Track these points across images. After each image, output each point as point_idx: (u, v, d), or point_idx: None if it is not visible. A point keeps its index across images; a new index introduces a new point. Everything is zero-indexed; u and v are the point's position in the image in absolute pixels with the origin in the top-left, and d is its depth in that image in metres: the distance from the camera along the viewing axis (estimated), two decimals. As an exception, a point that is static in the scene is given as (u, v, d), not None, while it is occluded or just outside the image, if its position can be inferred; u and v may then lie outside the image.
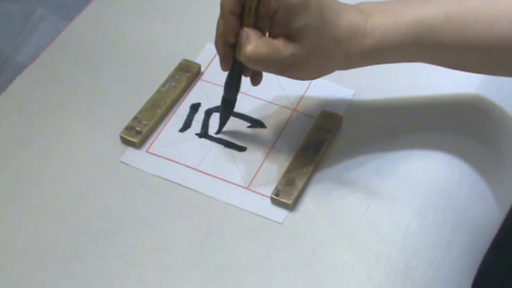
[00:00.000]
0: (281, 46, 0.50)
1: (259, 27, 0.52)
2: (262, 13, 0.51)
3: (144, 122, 0.62)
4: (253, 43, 0.51)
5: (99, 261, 0.54)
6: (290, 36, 0.51)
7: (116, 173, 0.60)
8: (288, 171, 0.58)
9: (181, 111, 0.64)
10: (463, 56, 0.55)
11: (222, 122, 0.62)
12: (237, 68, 0.56)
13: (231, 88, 0.58)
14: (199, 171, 0.60)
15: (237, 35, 0.52)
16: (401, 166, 0.60)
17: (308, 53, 0.51)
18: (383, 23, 0.53)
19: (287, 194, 0.57)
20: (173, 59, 0.67)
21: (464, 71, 0.58)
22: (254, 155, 0.61)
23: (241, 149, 0.61)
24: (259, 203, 0.57)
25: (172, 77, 0.66)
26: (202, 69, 0.68)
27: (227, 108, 0.60)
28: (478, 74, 0.65)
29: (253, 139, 0.62)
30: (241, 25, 0.52)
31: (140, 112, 0.63)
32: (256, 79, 0.59)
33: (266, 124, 0.63)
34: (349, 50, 0.53)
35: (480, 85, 0.66)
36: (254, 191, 0.58)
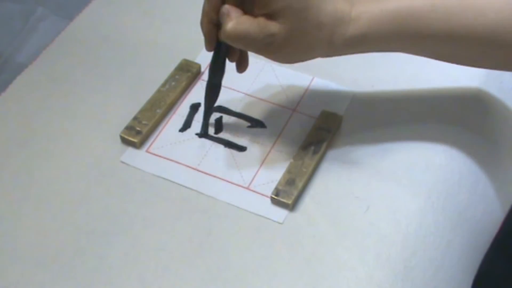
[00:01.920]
0: (262, 24, 0.50)
1: (242, 6, 0.52)
2: None
3: (144, 122, 0.62)
4: (234, 20, 0.50)
5: (99, 261, 0.54)
6: (271, 16, 0.50)
7: (116, 173, 0.60)
8: (288, 171, 0.58)
9: (181, 111, 0.64)
10: (449, 46, 0.55)
11: (207, 108, 0.61)
12: (222, 51, 0.56)
13: (216, 72, 0.58)
14: (199, 171, 0.60)
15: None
16: (401, 166, 0.60)
17: (288, 34, 0.51)
18: (368, 11, 0.53)
19: (287, 194, 0.57)
20: (173, 59, 0.67)
21: (451, 63, 0.58)
22: (254, 155, 0.61)
23: (241, 149, 0.61)
24: (259, 203, 0.57)
25: (172, 77, 0.66)
26: (202, 69, 0.68)
27: (212, 92, 0.60)
28: (477, 77, 0.65)
29: (253, 139, 0.62)
30: (223, 2, 0.52)
31: (140, 112, 0.63)
32: (241, 66, 0.59)
33: (266, 124, 0.63)
34: (332, 36, 0.53)
35: (480, 84, 0.66)
36: (254, 191, 0.58)
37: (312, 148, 0.60)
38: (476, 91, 0.66)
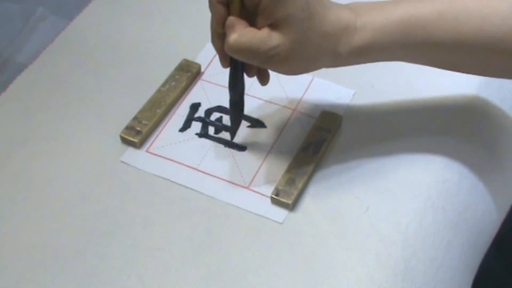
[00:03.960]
0: (265, 36, 0.49)
1: (247, 18, 0.51)
2: (246, 1, 0.50)
3: (144, 122, 0.62)
4: (237, 33, 0.50)
5: (99, 261, 0.54)
6: (274, 26, 0.50)
7: (116, 173, 0.60)
8: (288, 171, 0.58)
9: (181, 111, 0.64)
10: (455, 54, 0.54)
11: (233, 126, 0.60)
12: (237, 67, 0.55)
13: (234, 89, 0.57)
14: (199, 171, 0.60)
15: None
16: (401, 166, 0.60)
17: (292, 44, 0.50)
18: (373, 20, 0.52)
19: (287, 194, 0.57)
20: (173, 59, 0.67)
21: (456, 71, 0.58)
22: (254, 155, 0.61)
23: (241, 149, 0.61)
24: (259, 203, 0.57)
25: (172, 77, 0.66)
26: (202, 69, 0.68)
27: (234, 110, 0.59)
28: (477, 77, 0.65)
29: (253, 139, 0.62)
30: (228, 14, 0.51)
31: (140, 112, 0.63)
32: (263, 78, 0.57)
33: (266, 124, 0.63)
34: (337, 46, 0.52)
35: (480, 85, 0.66)
36: (254, 191, 0.58)
37: (312, 148, 0.60)
38: (477, 92, 0.66)
